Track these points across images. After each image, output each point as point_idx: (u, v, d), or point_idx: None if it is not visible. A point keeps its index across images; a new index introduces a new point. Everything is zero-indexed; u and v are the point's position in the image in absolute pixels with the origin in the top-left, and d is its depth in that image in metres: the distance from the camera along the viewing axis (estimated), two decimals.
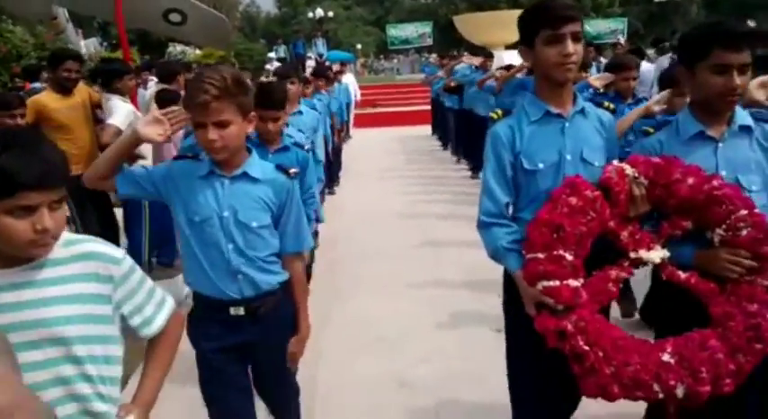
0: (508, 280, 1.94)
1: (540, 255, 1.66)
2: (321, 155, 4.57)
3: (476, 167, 8.39)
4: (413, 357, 3.42)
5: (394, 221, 6.47)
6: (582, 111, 1.91)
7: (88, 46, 15.25)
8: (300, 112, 4.19)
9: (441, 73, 10.05)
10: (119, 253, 1.39)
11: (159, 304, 1.47)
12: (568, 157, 1.85)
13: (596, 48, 9.39)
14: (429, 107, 12.56)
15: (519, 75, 5.77)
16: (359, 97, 13.43)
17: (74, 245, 1.34)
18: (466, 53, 12.08)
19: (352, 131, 13.12)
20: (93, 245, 1.36)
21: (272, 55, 22.15)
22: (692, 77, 1.84)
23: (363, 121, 15.43)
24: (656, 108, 2.95)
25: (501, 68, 6.84)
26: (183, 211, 1.93)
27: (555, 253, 1.64)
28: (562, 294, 1.62)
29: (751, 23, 9.00)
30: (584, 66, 5.07)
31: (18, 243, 1.22)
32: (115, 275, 1.35)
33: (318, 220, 3.56)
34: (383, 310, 4.12)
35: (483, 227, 1.92)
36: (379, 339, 3.69)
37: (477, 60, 7.87)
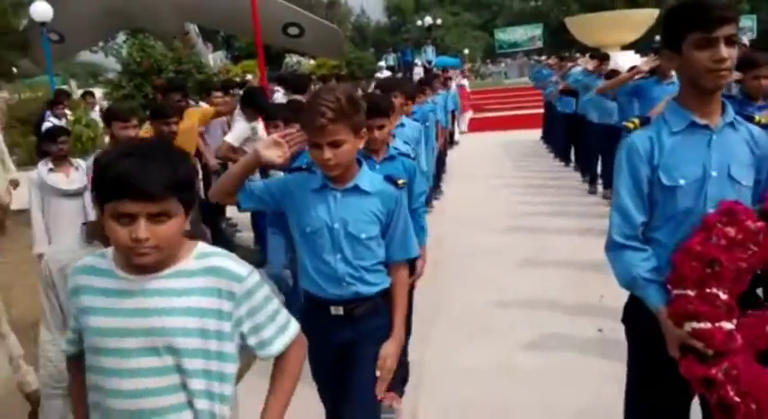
0: (633, 309, 1.75)
1: (690, 293, 1.46)
2: (424, 165, 4.46)
3: (585, 172, 8.07)
4: (516, 347, 3.60)
5: (497, 223, 6.37)
6: (732, 124, 1.69)
7: (215, 58, 16.26)
8: (402, 125, 4.11)
9: (554, 77, 9.65)
10: (245, 269, 1.36)
11: (282, 327, 1.43)
12: (714, 174, 1.63)
13: None
14: (535, 110, 12.18)
15: (636, 79, 5.31)
16: (459, 104, 13.16)
17: (205, 259, 1.34)
18: (579, 55, 11.45)
19: (458, 136, 12.94)
20: (220, 259, 1.35)
21: (381, 64, 22.55)
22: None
23: (471, 126, 15.30)
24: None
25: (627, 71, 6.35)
26: (296, 222, 2.02)
27: (708, 291, 1.44)
28: (715, 338, 1.42)
29: None
30: None
31: (121, 248, 1.26)
32: (237, 292, 1.33)
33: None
34: (487, 303, 4.29)
35: (615, 249, 1.72)
36: (484, 329, 3.88)
37: (591, 64, 7.42)
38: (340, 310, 2.02)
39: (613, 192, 1.76)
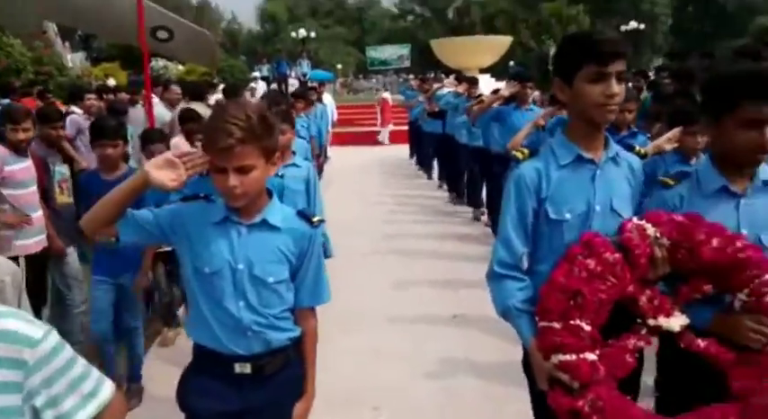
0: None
1: (556, 325, 1.47)
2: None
3: (455, 192, 8.29)
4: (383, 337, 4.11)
5: (367, 239, 6.43)
6: (614, 158, 1.71)
7: (74, 60, 14.91)
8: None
9: (422, 98, 9.75)
10: (38, 331, 1.05)
11: (87, 396, 1.10)
12: (598, 208, 1.65)
13: None
14: (407, 127, 12.43)
15: (495, 105, 5.55)
16: (335, 117, 13.04)
17: None
18: (445, 77, 11.86)
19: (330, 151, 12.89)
20: (9, 321, 1.04)
21: (256, 74, 21.99)
22: (716, 128, 1.67)
23: (342, 139, 15.39)
24: (668, 146, 2.83)
25: (491, 93, 6.61)
26: (191, 260, 1.70)
27: (572, 322, 1.45)
28: (580, 370, 1.43)
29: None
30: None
31: None
32: (29, 359, 1.02)
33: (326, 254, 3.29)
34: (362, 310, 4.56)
35: (495, 278, 1.70)
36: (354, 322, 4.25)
37: (462, 87, 7.57)
38: (247, 368, 1.70)
39: (500, 221, 1.73)
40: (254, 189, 1.62)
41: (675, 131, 2.84)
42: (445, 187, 8.97)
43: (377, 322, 4.30)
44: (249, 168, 1.57)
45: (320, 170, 8.26)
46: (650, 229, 1.53)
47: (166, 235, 1.70)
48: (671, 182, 1.77)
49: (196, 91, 7.06)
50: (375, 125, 17.73)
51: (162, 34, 11.42)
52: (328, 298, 1.85)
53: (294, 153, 3.41)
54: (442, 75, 14.20)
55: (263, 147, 1.59)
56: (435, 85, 9.63)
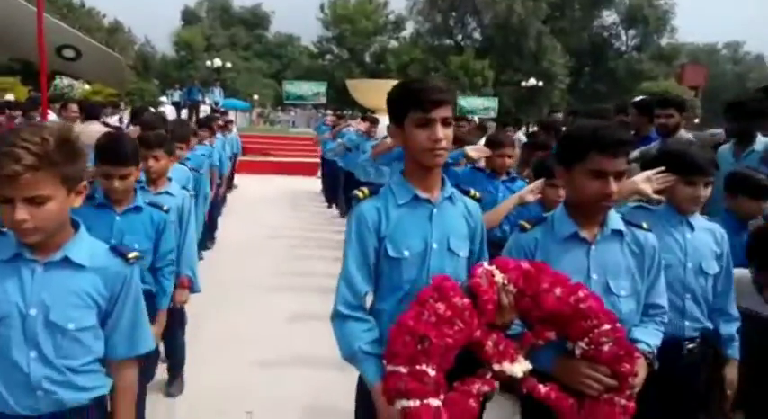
0: (362, 386, 1.70)
1: (403, 369, 1.45)
2: (201, 215, 4.13)
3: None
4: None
5: (269, 274, 6.20)
6: (450, 198, 1.76)
7: None
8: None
9: (328, 134, 9.93)
10: None
11: None
12: (435, 246, 1.68)
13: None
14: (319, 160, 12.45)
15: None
16: (240, 150, 12.65)
17: None
18: (350, 122, 12.12)
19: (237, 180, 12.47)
20: None
21: (164, 99, 21.31)
22: (568, 177, 1.78)
23: (255, 168, 15.22)
24: (530, 197, 2.91)
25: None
26: None
27: (418, 367, 1.44)
28: (422, 416, 1.41)
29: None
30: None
31: None
32: None
33: (192, 289, 3.17)
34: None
35: (338, 318, 1.67)
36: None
37: (363, 126, 7.69)
38: None
39: (342, 262, 1.71)
40: (51, 223, 1.38)
41: (538, 183, 2.95)
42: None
43: (259, 337, 4.41)
44: (43, 199, 1.34)
45: (223, 199, 8.04)
46: (498, 276, 1.56)
47: None
48: (527, 226, 1.85)
49: (92, 110, 6.78)
50: (287, 156, 17.74)
51: (68, 53, 10.94)
52: (149, 347, 1.61)
53: (170, 179, 3.22)
54: (358, 114, 14.52)
55: (63, 175, 1.37)
56: (343, 124, 9.81)
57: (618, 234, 1.81)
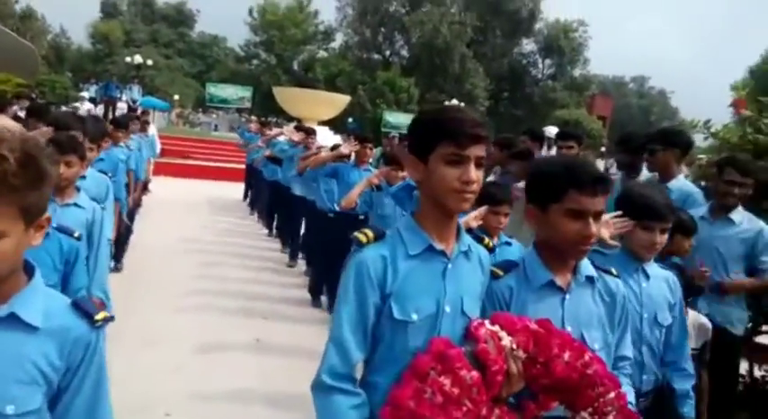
0: None
1: None
2: (108, 230, 3.38)
3: (285, 243, 7.84)
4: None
5: (182, 283, 5.80)
6: (466, 252, 1.50)
7: None
8: (83, 176, 3.08)
9: (260, 142, 9.28)
10: None
11: None
12: (447, 310, 1.41)
13: None
14: (242, 165, 12.00)
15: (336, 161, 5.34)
16: (158, 149, 11.61)
17: None
18: (287, 124, 11.91)
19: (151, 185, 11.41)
20: None
21: (84, 94, 20.29)
22: (542, 218, 1.60)
23: (174, 170, 14.70)
24: (474, 223, 2.81)
25: (330, 148, 6.34)
26: None
27: None
28: None
29: (554, 129, 9.67)
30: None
31: None
32: None
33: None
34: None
35: (322, 389, 1.36)
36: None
37: (297, 136, 7.31)
38: None
39: (334, 318, 1.41)
40: (2, 267, 1.07)
41: (482, 210, 2.86)
42: (275, 236, 8.53)
43: (176, 341, 4.36)
44: None
45: (137, 204, 7.39)
46: (506, 339, 1.36)
47: None
48: (500, 273, 1.64)
49: None
50: (208, 160, 17.34)
51: None
52: None
53: (78, 189, 2.78)
54: (285, 124, 14.28)
55: (23, 205, 1.06)
56: (275, 130, 9.34)
57: (590, 280, 1.67)
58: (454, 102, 32.08)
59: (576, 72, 43.66)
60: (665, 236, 2.16)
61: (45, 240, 1.87)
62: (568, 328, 1.58)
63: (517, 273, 1.65)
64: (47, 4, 61.41)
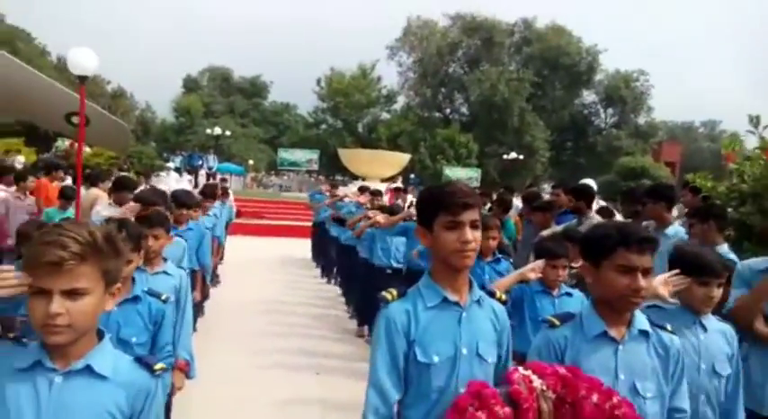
0: None
1: None
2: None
3: (350, 304, 7.76)
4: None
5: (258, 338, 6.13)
6: (478, 301, 1.71)
7: None
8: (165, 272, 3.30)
9: (326, 202, 9.61)
10: None
11: None
12: (464, 352, 1.63)
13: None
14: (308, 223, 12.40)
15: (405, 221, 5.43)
16: (234, 216, 12.32)
17: None
18: (352, 183, 12.02)
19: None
20: None
21: (170, 164, 22.03)
22: (596, 274, 1.76)
23: (249, 230, 15.54)
24: (532, 275, 2.96)
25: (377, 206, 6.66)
26: None
27: None
28: None
29: (591, 182, 9.95)
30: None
31: None
32: None
33: (188, 374, 3.02)
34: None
35: None
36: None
37: (363, 198, 7.46)
38: None
39: (370, 366, 1.63)
40: (84, 322, 1.28)
41: (539, 263, 3.03)
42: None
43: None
44: (82, 292, 1.26)
45: (216, 266, 7.86)
46: (537, 381, 1.51)
47: None
48: (557, 323, 1.82)
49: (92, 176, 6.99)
50: (279, 219, 18.23)
51: (77, 119, 11.62)
52: None
53: (165, 259, 3.05)
54: (350, 181, 14.51)
55: (105, 270, 1.31)
56: (340, 192, 9.68)
57: (644, 334, 1.79)
58: (513, 154, 32.30)
59: (641, 119, 42.90)
60: (721, 290, 2.28)
61: (138, 304, 2.33)
62: (621, 377, 1.71)
63: (573, 324, 1.81)
64: (135, 82, 67.31)
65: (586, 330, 1.78)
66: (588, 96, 44.63)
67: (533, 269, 2.98)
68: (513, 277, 2.99)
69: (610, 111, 44.11)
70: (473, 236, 1.61)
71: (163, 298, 2.42)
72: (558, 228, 4.73)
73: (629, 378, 1.73)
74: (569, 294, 3.20)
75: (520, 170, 36.39)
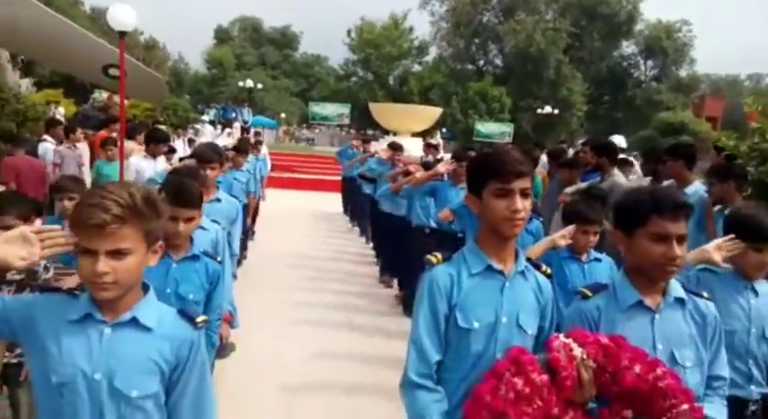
0: None
1: None
2: (236, 247, 3.94)
3: (379, 258, 7.80)
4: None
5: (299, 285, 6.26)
6: (523, 272, 1.69)
7: (22, 85, 14.74)
8: (218, 200, 3.55)
9: (356, 160, 9.59)
10: None
11: None
12: (504, 320, 1.62)
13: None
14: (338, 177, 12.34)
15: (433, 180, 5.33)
16: (269, 166, 12.15)
17: None
18: (383, 138, 11.82)
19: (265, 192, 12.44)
20: None
21: (205, 117, 22.21)
22: (629, 243, 1.72)
23: (281, 183, 15.66)
24: (562, 242, 2.87)
25: (418, 163, 6.58)
26: (38, 367, 1.37)
27: None
28: None
29: (620, 138, 9.89)
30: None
31: None
32: None
33: (232, 324, 3.11)
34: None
35: (409, 386, 1.61)
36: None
37: (385, 154, 7.37)
38: None
39: (412, 325, 1.65)
40: (129, 279, 1.35)
41: (570, 229, 2.92)
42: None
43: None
44: (125, 252, 1.32)
45: (253, 220, 8.02)
46: (577, 350, 1.50)
47: (15, 332, 1.39)
48: (589, 294, 1.78)
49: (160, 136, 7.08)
50: (310, 173, 18.35)
51: (114, 71, 11.75)
52: (214, 418, 1.54)
53: (218, 187, 3.45)
54: (381, 135, 14.39)
55: (146, 231, 1.36)
56: (372, 148, 9.49)
57: (680, 302, 1.75)
58: (548, 109, 31.50)
59: (683, 72, 41.19)
60: None
61: (195, 262, 2.38)
62: (659, 346, 1.68)
63: (606, 294, 1.77)
64: (167, 34, 67.13)
65: (620, 300, 1.74)
66: (627, 47, 43.02)
67: (564, 235, 2.89)
68: (544, 244, 2.90)
69: (650, 63, 42.48)
70: (523, 204, 1.58)
71: (218, 259, 2.49)
72: (582, 185, 4.67)
73: (667, 348, 1.69)
74: (598, 259, 3.08)
75: (554, 125, 35.58)
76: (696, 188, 4.03)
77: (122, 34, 7.29)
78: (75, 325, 1.37)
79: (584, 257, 3.06)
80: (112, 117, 9.83)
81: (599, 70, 40.90)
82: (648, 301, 1.72)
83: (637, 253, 1.70)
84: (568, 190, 4.59)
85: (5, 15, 10.50)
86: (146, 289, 1.46)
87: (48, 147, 7.76)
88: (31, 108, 11.11)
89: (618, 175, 4.81)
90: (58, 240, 1.34)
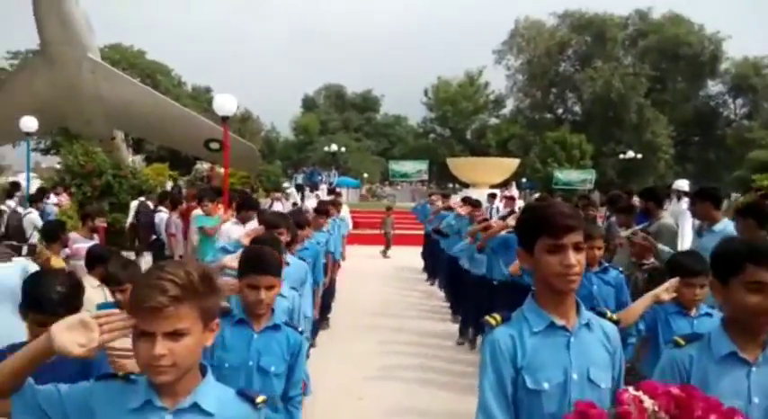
0: None
1: None
2: (309, 310, 3.90)
3: (457, 315, 7.44)
4: None
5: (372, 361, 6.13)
6: (587, 325, 1.62)
7: (135, 161, 16.64)
8: (287, 263, 3.39)
9: (431, 215, 9.53)
10: None
11: None
12: (575, 377, 1.55)
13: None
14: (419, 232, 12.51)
15: (503, 233, 5.29)
16: (350, 227, 12.80)
17: None
18: (460, 191, 11.94)
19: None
20: None
21: (286, 184, 23.66)
22: (725, 293, 1.66)
23: (364, 240, 16.07)
24: (666, 296, 2.71)
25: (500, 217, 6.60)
26: None
27: None
28: None
29: (683, 182, 9.74)
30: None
31: None
32: None
33: (305, 392, 3.05)
34: None
35: None
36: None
37: (464, 210, 7.35)
38: None
39: (479, 392, 1.60)
40: (186, 361, 1.30)
41: (674, 281, 2.75)
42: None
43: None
44: (182, 333, 1.28)
45: (333, 281, 7.57)
46: (648, 402, 1.43)
47: None
48: (682, 343, 1.73)
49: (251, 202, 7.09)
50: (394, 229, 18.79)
51: (214, 145, 13.03)
52: None
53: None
54: (459, 189, 14.45)
55: (203, 309, 1.33)
56: (452, 202, 9.42)
57: None
58: (630, 153, 30.60)
59: None
60: None
61: (277, 332, 2.29)
62: (755, 400, 1.59)
63: (700, 344, 1.70)
64: (260, 106, 72.10)
65: (714, 350, 1.66)
66: (714, 87, 41.26)
67: (667, 288, 2.72)
68: (645, 300, 2.73)
69: (739, 101, 40.43)
70: (576, 259, 1.52)
71: (300, 329, 2.40)
72: (636, 229, 4.72)
73: (764, 402, 1.59)
74: (709, 314, 2.83)
75: (640, 169, 34.39)
76: (724, 224, 4.30)
77: (225, 118, 8.14)
78: (136, 415, 1.32)
79: (692, 312, 2.85)
80: (212, 187, 10.67)
81: (684, 111, 39.37)
82: (745, 353, 1.64)
83: (733, 303, 1.65)
84: (623, 233, 4.76)
85: (124, 102, 12.24)
86: (203, 369, 1.41)
87: (162, 216, 8.52)
88: (144, 182, 12.60)
89: (667, 218, 5.00)
90: (116, 324, 1.30)
